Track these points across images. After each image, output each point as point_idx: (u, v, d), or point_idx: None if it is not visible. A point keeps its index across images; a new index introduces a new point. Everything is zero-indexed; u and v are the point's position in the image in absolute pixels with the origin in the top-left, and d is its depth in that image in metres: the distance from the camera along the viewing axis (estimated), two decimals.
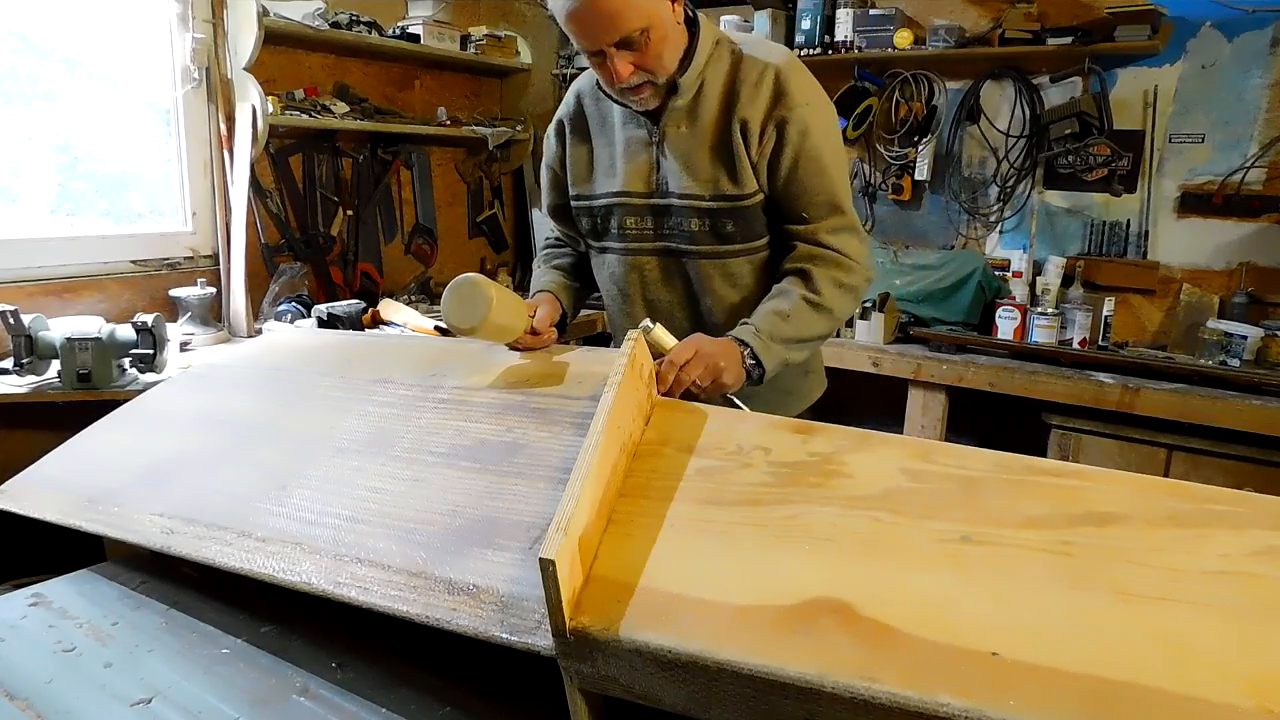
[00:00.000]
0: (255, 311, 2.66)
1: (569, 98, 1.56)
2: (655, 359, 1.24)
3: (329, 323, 2.58)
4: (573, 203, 1.56)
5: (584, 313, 3.40)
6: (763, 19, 3.34)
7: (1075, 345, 2.87)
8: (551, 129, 1.60)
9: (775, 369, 1.35)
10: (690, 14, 1.37)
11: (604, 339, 3.42)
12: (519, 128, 3.63)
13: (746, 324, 1.37)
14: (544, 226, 3.95)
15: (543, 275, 1.66)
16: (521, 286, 3.88)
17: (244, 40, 2.54)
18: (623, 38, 1.26)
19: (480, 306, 1.22)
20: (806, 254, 1.42)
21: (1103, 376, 2.62)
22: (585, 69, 1.44)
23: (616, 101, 1.42)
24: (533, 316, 1.38)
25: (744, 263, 1.47)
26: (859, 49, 3.21)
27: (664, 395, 1.22)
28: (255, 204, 2.82)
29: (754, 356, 1.32)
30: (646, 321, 1.27)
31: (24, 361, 1.95)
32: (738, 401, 1.30)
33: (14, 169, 2.39)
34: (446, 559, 0.89)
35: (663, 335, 1.28)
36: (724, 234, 1.44)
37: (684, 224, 1.45)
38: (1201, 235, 2.95)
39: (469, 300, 1.23)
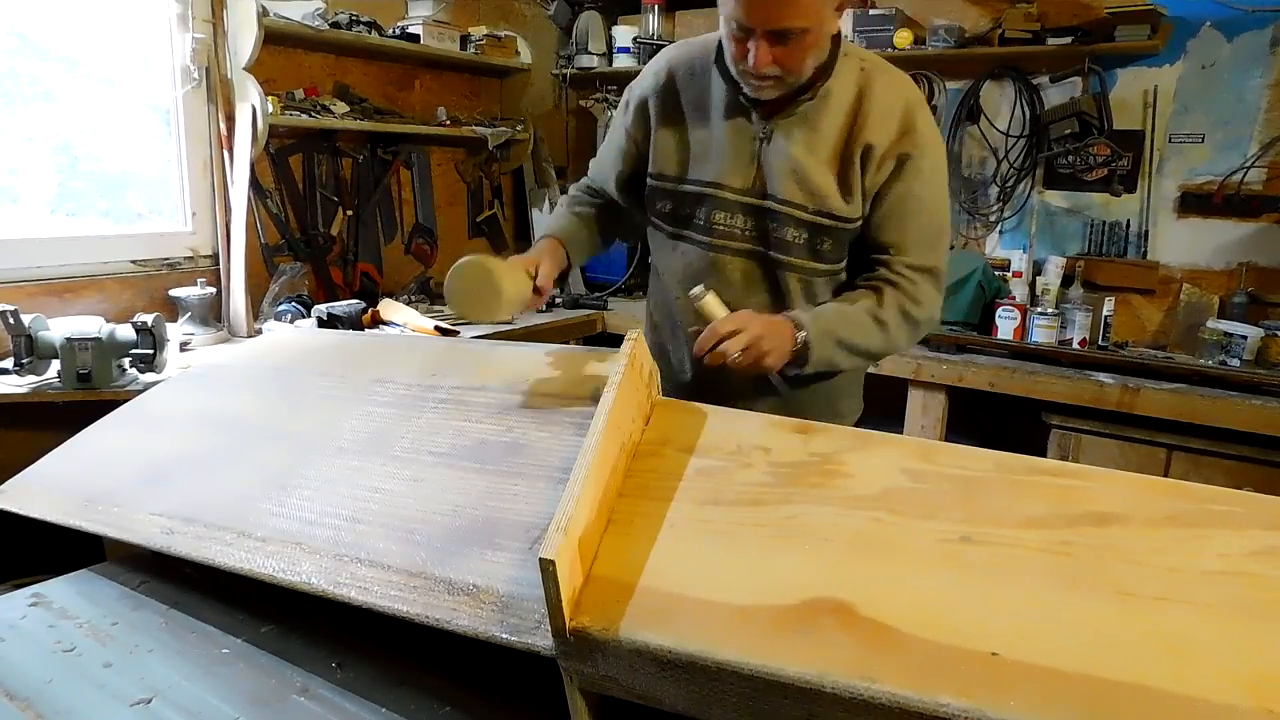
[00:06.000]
0: (255, 311, 2.66)
1: (658, 69, 1.48)
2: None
3: (329, 323, 2.58)
4: (653, 182, 1.48)
5: (584, 313, 3.43)
6: None
7: (1075, 345, 2.87)
8: (632, 99, 1.51)
9: (821, 363, 1.33)
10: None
11: (604, 339, 3.41)
12: (519, 128, 3.62)
13: (808, 309, 1.34)
14: (544, 227, 3.95)
15: (558, 220, 1.59)
16: None
17: (244, 40, 2.54)
18: (781, 29, 1.21)
19: (490, 299, 1.19)
20: (884, 278, 1.39)
21: (1103, 376, 2.62)
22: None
23: (730, 80, 1.35)
24: (534, 275, 1.34)
25: (827, 283, 1.43)
26: None
27: (704, 362, 1.18)
28: (255, 204, 2.82)
29: (805, 342, 1.28)
30: (699, 288, 1.20)
31: (24, 361, 1.95)
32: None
33: (14, 169, 2.39)
34: (446, 559, 0.89)
35: (715, 305, 1.23)
36: (819, 251, 1.39)
37: (781, 231, 1.38)
38: (1201, 235, 2.95)
39: (478, 292, 1.20)
